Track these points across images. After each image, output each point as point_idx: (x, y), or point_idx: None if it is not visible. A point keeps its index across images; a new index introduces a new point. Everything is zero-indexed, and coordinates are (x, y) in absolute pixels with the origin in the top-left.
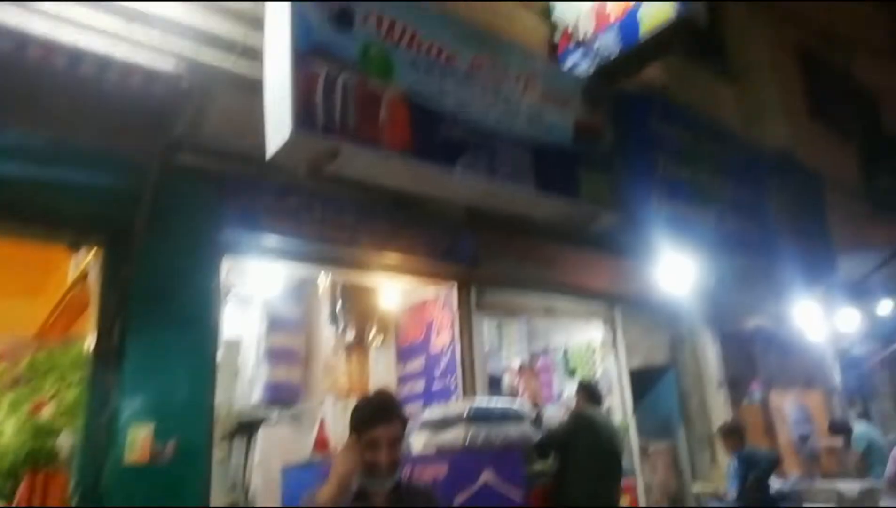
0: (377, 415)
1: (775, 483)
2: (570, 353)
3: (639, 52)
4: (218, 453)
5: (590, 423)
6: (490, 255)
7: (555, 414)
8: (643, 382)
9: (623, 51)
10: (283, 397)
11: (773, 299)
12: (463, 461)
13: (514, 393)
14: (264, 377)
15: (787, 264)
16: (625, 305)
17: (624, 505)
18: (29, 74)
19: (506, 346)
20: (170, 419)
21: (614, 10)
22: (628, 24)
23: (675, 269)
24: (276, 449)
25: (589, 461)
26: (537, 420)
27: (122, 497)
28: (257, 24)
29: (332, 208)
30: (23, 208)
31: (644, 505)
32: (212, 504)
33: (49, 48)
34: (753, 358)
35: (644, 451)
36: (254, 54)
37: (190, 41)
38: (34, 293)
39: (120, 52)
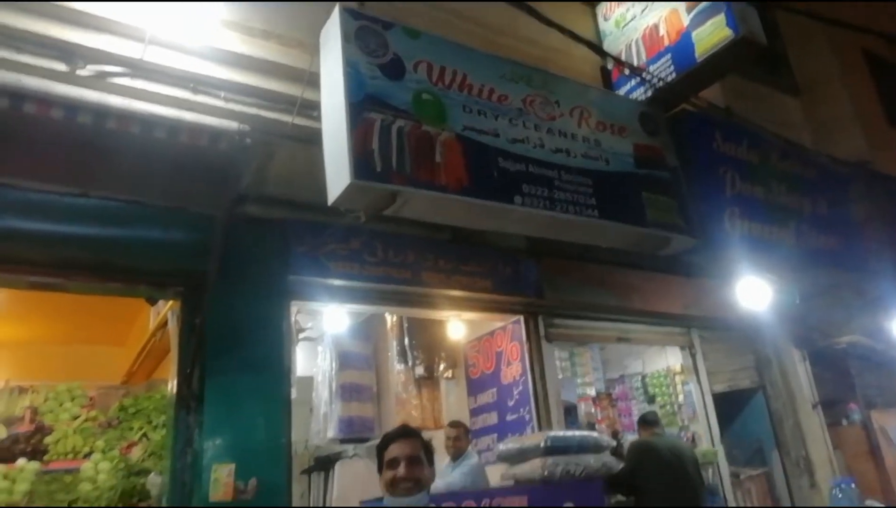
0: (393, 435)
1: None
2: (648, 379)
3: (695, 74)
4: (297, 488)
5: (649, 448)
6: (555, 284)
7: None
8: (730, 406)
9: (679, 75)
10: (357, 431)
11: (867, 315)
12: (542, 492)
13: (591, 422)
14: (338, 413)
15: (879, 277)
16: (703, 328)
17: None
18: (108, 142)
19: (580, 374)
20: (250, 457)
21: (667, 34)
22: (683, 47)
23: (755, 289)
24: (353, 483)
25: (657, 485)
26: (618, 450)
27: None
28: (314, 80)
29: (393, 247)
30: (103, 266)
31: None
32: None
33: (125, 118)
34: (849, 377)
35: (736, 477)
36: (312, 108)
37: (251, 100)
38: (119, 342)
39: (188, 116)
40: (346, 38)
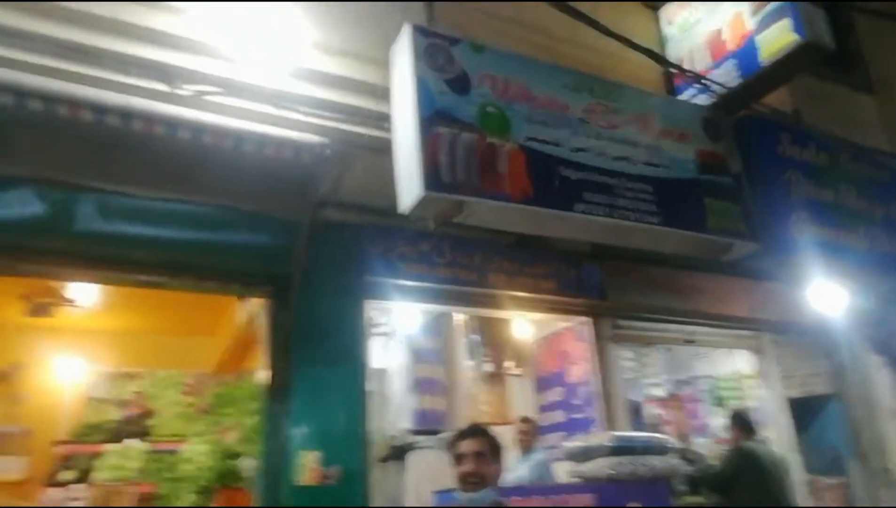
0: (462, 433)
1: None
2: (717, 383)
3: (760, 79)
4: (375, 475)
5: (753, 456)
6: (618, 286)
7: (706, 446)
8: (803, 412)
9: (743, 80)
10: (430, 423)
11: None
12: (609, 491)
13: (657, 423)
14: (412, 405)
15: None
16: (773, 331)
17: None
18: (204, 155)
19: (647, 376)
20: (333, 445)
21: (731, 39)
22: (747, 52)
23: (827, 294)
24: (426, 472)
25: (756, 495)
26: (688, 453)
27: None
28: (386, 93)
29: (460, 250)
30: (200, 267)
31: None
32: None
33: (219, 134)
34: None
35: (812, 486)
36: (384, 119)
37: (330, 114)
38: (209, 334)
39: (274, 131)
40: (416, 56)
